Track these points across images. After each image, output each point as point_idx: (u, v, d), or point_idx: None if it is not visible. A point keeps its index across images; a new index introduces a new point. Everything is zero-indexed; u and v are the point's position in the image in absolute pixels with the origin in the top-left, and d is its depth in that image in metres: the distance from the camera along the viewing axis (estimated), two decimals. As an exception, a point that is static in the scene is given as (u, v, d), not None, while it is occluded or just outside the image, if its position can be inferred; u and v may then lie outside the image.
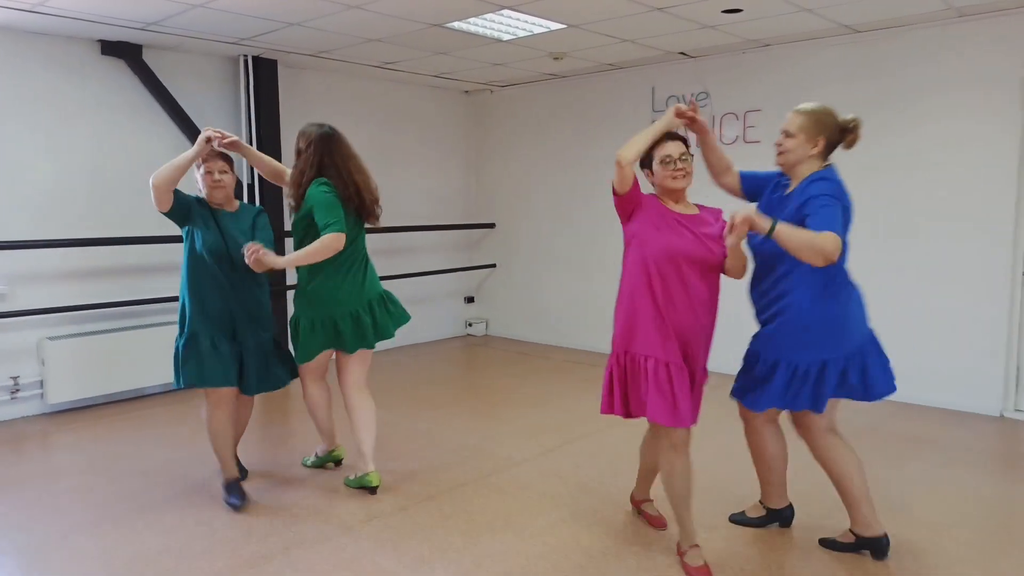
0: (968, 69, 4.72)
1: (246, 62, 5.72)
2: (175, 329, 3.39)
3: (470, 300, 7.83)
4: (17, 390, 4.87)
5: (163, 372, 5.24)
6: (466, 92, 7.55)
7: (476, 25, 4.87)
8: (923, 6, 4.45)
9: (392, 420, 4.75)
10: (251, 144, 5.77)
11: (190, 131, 5.53)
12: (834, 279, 2.69)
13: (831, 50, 5.26)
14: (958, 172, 4.81)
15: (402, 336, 7.06)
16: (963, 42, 4.73)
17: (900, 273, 5.04)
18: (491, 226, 7.61)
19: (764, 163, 6.15)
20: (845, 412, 2.98)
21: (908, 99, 4.96)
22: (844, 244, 2.52)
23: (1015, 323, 4.69)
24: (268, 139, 5.82)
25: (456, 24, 4.83)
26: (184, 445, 4.28)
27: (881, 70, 5.07)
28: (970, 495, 3.53)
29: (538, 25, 4.87)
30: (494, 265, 7.65)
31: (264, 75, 5.80)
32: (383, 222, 3.65)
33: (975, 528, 3.17)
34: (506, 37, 5.18)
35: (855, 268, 2.80)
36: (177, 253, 3.63)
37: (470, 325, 7.77)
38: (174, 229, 3.44)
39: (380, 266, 6.70)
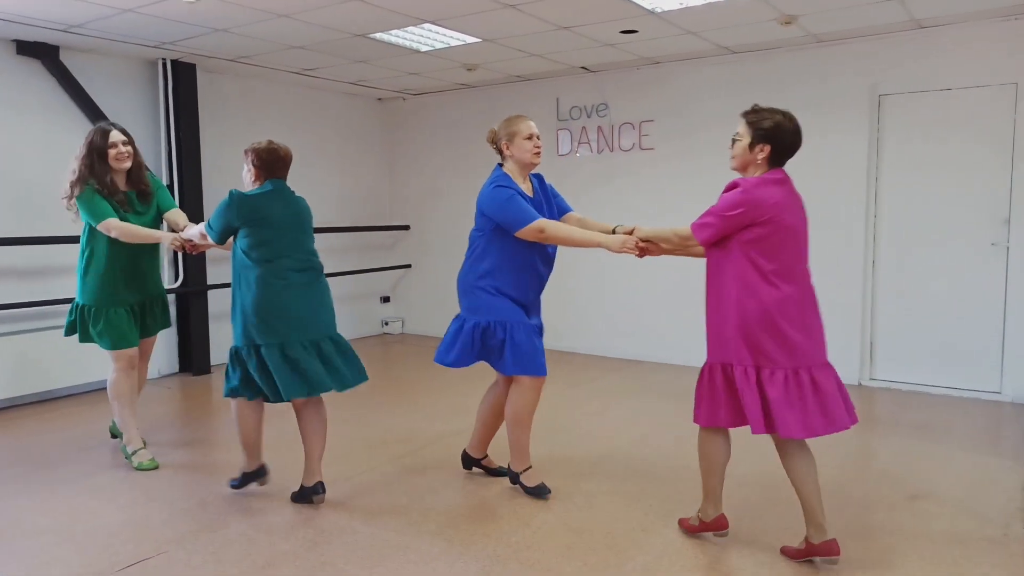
0: (826, 88, 5.50)
1: (165, 66, 5.81)
2: None
3: (386, 300, 8.10)
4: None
5: (73, 374, 5.24)
6: (379, 99, 7.85)
7: (398, 36, 5.22)
8: (787, 32, 5.17)
9: (323, 408, 4.99)
10: (170, 146, 5.87)
11: (108, 132, 5.56)
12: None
13: (713, 68, 5.95)
14: (820, 178, 5.57)
15: (321, 334, 7.31)
16: (822, 64, 5.52)
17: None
18: (406, 228, 7.93)
19: (658, 167, 6.74)
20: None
21: (778, 112, 5.70)
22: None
23: (867, 306, 5.49)
24: (187, 141, 5.92)
25: (379, 35, 5.16)
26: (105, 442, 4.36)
27: (756, 87, 5.79)
28: (834, 445, 4.18)
29: (455, 39, 5.28)
30: (409, 266, 7.96)
31: (183, 78, 5.90)
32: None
33: (839, 467, 3.82)
34: (424, 48, 5.56)
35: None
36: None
37: (386, 324, 8.04)
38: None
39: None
